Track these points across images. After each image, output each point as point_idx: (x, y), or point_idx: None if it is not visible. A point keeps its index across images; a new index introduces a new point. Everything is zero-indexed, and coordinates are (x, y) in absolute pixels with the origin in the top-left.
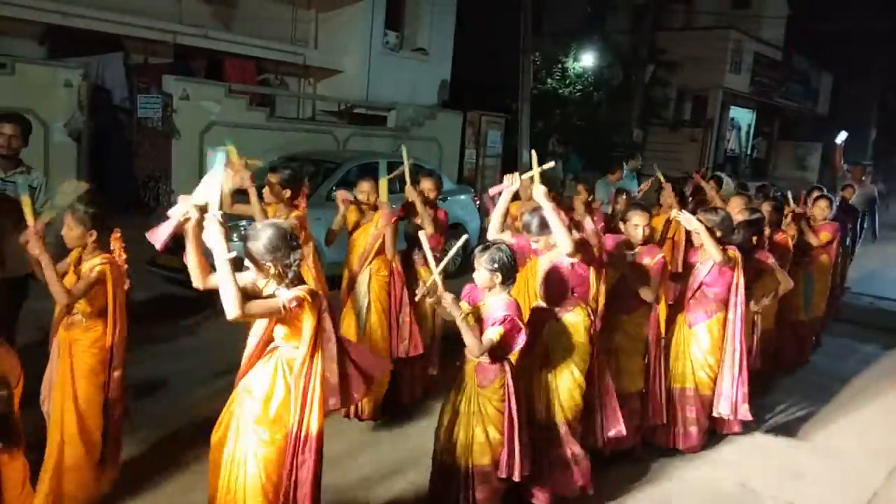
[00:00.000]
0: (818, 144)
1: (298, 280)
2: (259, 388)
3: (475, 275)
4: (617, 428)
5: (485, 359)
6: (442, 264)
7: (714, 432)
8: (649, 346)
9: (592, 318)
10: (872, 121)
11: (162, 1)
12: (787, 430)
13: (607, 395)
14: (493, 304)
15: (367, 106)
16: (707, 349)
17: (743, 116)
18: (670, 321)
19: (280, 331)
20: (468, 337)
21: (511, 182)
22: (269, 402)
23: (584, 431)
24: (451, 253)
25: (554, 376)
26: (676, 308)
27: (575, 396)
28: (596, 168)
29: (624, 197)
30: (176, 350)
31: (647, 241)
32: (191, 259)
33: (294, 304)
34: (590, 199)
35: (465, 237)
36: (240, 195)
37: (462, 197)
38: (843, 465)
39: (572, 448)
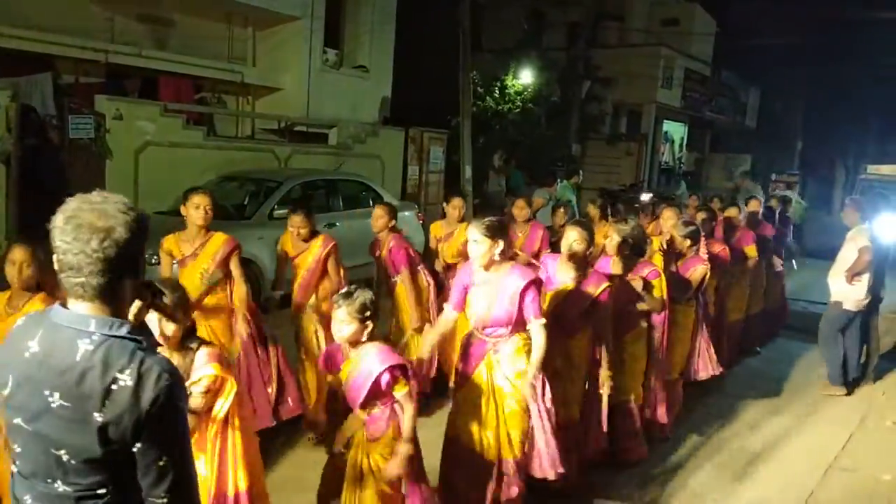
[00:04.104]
0: (747, 156)
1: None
2: None
3: (338, 328)
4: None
5: (378, 410)
6: None
7: (653, 438)
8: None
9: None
10: (798, 133)
11: (94, 20)
12: (726, 432)
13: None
14: (370, 358)
15: (307, 123)
16: (640, 357)
17: (676, 130)
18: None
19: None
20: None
21: None
22: None
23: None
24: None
25: (500, 408)
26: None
27: (524, 425)
28: (537, 183)
29: (561, 210)
30: None
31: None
32: None
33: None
34: (530, 218)
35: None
36: None
37: (406, 213)
38: (780, 465)
39: (516, 487)
